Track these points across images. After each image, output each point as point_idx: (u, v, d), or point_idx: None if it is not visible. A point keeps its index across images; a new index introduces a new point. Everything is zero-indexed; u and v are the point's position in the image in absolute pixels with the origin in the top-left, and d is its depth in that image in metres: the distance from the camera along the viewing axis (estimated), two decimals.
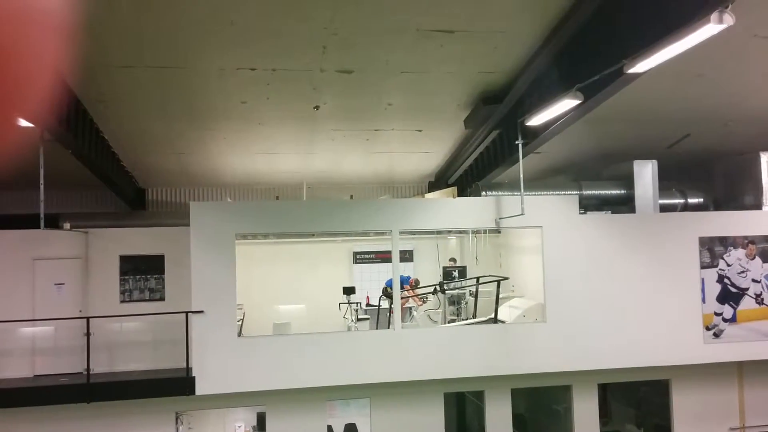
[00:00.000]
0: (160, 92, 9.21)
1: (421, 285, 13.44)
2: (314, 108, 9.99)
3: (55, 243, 11.29)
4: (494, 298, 12.06)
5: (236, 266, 10.43)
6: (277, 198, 14.13)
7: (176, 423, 10.96)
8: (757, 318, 11.72)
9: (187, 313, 10.21)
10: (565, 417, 12.19)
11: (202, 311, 10.17)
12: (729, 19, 5.36)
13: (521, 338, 11.01)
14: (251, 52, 8.07)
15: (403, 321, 11.36)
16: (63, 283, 11.35)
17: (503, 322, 11.84)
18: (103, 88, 8.96)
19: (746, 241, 11.82)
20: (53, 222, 11.31)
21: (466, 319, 12.91)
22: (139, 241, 11.54)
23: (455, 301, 13.53)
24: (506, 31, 7.97)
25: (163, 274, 11.55)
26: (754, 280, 11.80)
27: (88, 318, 10.31)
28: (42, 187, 9.91)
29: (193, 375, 10.13)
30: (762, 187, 12.30)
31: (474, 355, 10.81)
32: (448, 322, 13.04)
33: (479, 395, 11.91)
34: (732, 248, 11.76)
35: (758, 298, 11.78)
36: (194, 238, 10.28)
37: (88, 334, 10.16)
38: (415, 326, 12.61)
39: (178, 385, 10.16)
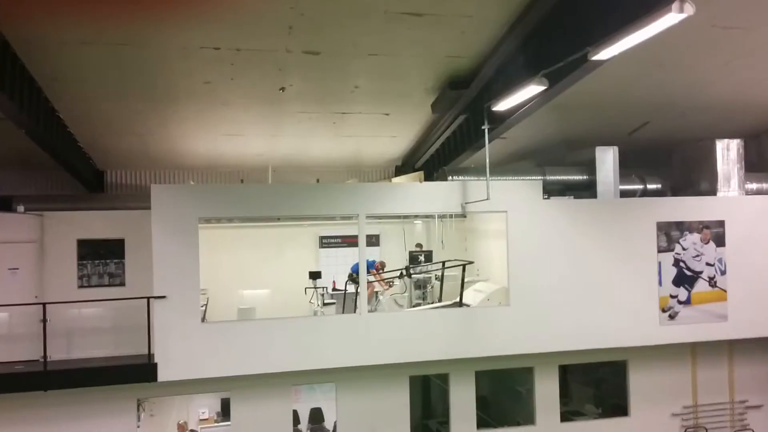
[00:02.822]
0: (119, 70, 8.93)
1: (387, 269, 13.47)
2: (280, 90, 9.84)
3: (8, 226, 10.90)
4: (459, 282, 12.17)
5: (199, 250, 10.25)
6: (242, 181, 13.92)
7: (138, 410, 10.77)
8: (710, 300, 12.14)
9: (148, 298, 10.00)
10: (528, 398, 12.45)
11: (164, 296, 9.98)
12: (689, 9, 5.50)
13: (485, 322, 11.15)
14: (215, 30, 7.87)
15: (369, 305, 11.37)
16: (17, 268, 10.98)
17: (468, 305, 11.97)
18: (58, 65, 8.63)
19: (701, 226, 12.19)
20: (6, 204, 10.95)
21: (432, 303, 13.01)
22: (98, 224, 11.22)
23: (421, 286, 13.61)
24: (473, 16, 7.98)
25: (124, 258, 11.28)
26: (708, 264, 12.20)
27: (44, 304, 10.00)
28: None
29: (155, 361, 9.97)
30: (717, 174, 12.66)
31: (439, 338, 10.91)
32: (414, 306, 13.12)
33: (444, 378, 12.06)
34: (688, 233, 12.12)
35: (711, 281, 12.19)
36: (155, 222, 10.05)
37: (44, 320, 9.86)
38: (381, 310, 12.65)
39: (139, 371, 9.98)
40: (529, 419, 12.23)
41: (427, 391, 13.70)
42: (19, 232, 10.95)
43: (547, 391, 12.14)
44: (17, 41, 7.87)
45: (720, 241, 12.26)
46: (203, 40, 8.12)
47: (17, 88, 8.36)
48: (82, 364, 10.22)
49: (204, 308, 11.88)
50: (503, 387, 13.66)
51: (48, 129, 9.97)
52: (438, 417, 13.12)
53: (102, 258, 11.23)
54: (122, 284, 11.25)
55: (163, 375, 9.95)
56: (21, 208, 10.93)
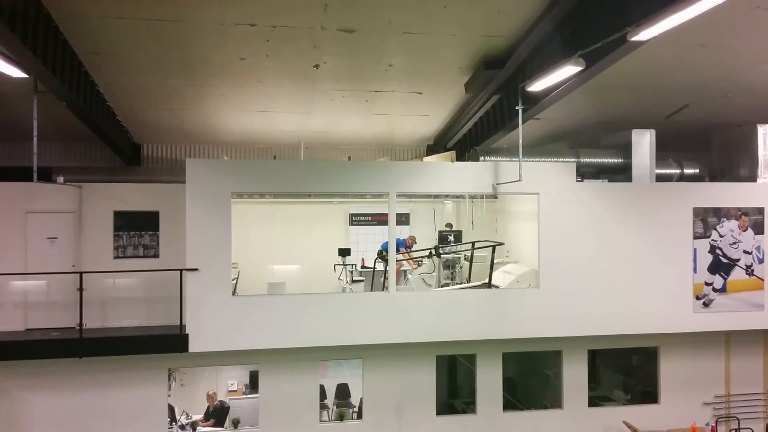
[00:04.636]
0: (157, 46, 9.02)
1: (416, 249, 13.48)
2: (314, 67, 9.84)
3: (48, 197, 11.17)
4: (489, 263, 12.13)
5: (232, 225, 10.40)
6: (275, 157, 14.03)
7: (169, 379, 11.06)
8: (746, 289, 11.90)
9: (181, 270, 10.20)
10: (555, 381, 12.41)
11: (196, 269, 10.17)
12: None
13: (514, 303, 11.12)
14: (251, 7, 7.88)
15: (397, 284, 11.42)
16: (56, 238, 11.28)
17: (497, 287, 11.94)
18: (98, 40, 8.77)
19: (739, 213, 11.90)
20: (46, 175, 11.19)
21: (461, 284, 13.01)
22: (134, 196, 11.43)
23: (450, 266, 13.60)
24: None
25: (158, 230, 11.49)
26: (745, 252, 11.93)
27: (81, 273, 10.27)
28: (35, 139, 9.78)
29: (187, 332, 10.19)
30: (757, 159, 12.34)
31: (467, 319, 10.92)
32: (443, 286, 13.13)
33: (471, 358, 12.09)
34: (725, 219, 11.86)
35: (748, 269, 11.93)
36: (190, 196, 10.22)
37: (81, 289, 10.12)
38: (410, 289, 12.69)
39: (171, 342, 10.20)
40: (556, 403, 12.22)
41: (454, 371, 13.76)
42: (59, 203, 11.23)
43: (575, 376, 12.09)
44: (59, 16, 8.01)
45: (758, 228, 11.97)
46: (239, 17, 8.14)
47: (59, 61, 8.53)
48: (116, 332, 10.49)
49: (235, 282, 12.08)
50: (531, 369, 13.64)
51: (88, 102, 10.17)
52: (464, 397, 13.17)
53: (137, 230, 11.46)
54: (156, 256, 11.46)
55: (193, 346, 10.18)
56: (60, 179, 11.17)
